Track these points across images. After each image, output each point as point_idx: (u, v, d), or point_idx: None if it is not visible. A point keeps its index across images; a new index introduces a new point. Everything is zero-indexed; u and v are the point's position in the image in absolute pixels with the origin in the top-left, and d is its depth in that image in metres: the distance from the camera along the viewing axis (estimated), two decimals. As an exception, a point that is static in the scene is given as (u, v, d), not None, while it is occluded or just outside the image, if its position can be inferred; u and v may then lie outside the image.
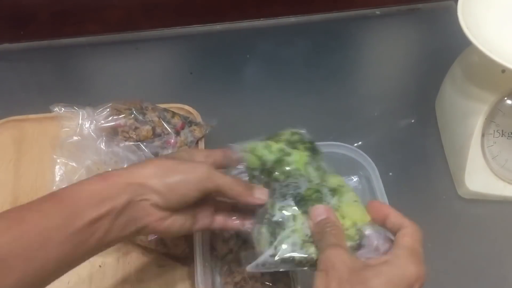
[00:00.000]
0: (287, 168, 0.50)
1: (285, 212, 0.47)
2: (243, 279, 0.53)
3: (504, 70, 0.55)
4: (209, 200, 0.50)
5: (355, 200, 0.49)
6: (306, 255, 0.44)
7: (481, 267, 0.60)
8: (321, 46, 0.85)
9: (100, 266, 0.58)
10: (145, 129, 0.62)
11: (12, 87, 0.81)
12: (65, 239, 0.40)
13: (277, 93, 0.78)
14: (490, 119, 0.60)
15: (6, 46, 0.86)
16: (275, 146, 0.52)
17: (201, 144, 0.67)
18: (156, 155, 0.61)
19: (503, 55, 0.52)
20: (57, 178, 0.59)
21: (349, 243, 0.45)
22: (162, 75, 0.83)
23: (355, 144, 0.64)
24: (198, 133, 0.66)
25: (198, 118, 0.70)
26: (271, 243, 0.45)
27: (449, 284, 0.59)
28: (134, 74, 0.82)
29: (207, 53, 0.86)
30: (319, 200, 0.47)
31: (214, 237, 0.57)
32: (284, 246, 0.45)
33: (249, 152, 0.52)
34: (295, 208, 0.47)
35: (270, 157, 0.51)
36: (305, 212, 0.47)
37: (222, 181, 0.47)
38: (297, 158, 0.51)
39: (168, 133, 0.64)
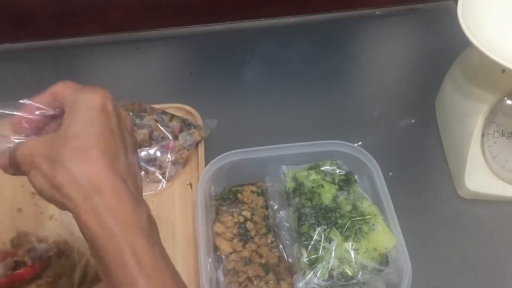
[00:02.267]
0: (320, 198, 0.58)
1: (322, 236, 0.54)
2: (247, 278, 0.53)
3: (504, 70, 0.55)
4: None
5: (381, 225, 0.55)
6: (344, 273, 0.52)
7: (481, 267, 0.60)
8: (321, 46, 0.85)
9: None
10: (142, 133, 0.62)
11: (12, 87, 0.80)
12: None
13: (277, 93, 0.78)
14: (490, 119, 0.60)
15: (6, 46, 0.86)
16: (314, 176, 0.60)
17: (201, 146, 0.68)
18: (149, 161, 0.61)
19: (503, 55, 0.52)
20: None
21: (373, 265, 0.53)
22: (162, 75, 0.83)
23: (355, 144, 0.64)
24: (197, 136, 0.66)
25: (198, 119, 0.71)
26: (310, 265, 0.52)
27: (449, 284, 0.59)
28: (134, 74, 0.82)
29: (207, 53, 0.86)
30: (353, 226, 0.55)
31: (217, 237, 0.57)
32: (323, 268, 0.52)
33: (290, 175, 0.61)
34: (331, 232, 0.54)
35: (307, 183, 0.59)
36: (342, 236, 0.54)
37: None
38: (327, 190, 0.59)
39: (165, 137, 0.64)
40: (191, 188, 0.65)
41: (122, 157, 0.38)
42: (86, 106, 0.38)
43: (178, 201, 0.64)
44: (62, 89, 0.41)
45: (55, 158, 0.36)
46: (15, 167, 0.39)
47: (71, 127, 0.37)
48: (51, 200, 0.37)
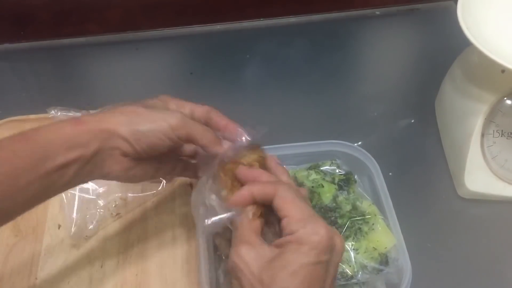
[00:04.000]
0: (320, 197, 0.58)
1: None
2: None
3: (504, 70, 0.55)
4: (172, 155, 0.51)
5: (381, 225, 0.55)
6: (344, 273, 0.52)
7: (481, 267, 0.60)
8: (321, 46, 0.85)
9: (100, 266, 0.58)
10: None
11: (12, 87, 0.81)
12: (34, 180, 0.41)
13: (277, 93, 0.78)
14: (489, 119, 0.60)
15: (6, 46, 0.86)
16: (313, 176, 0.60)
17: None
18: None
19: (503, 55, 0.52)
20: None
21: (373, 265, 0.52)
22: (162, 75, 0.83)
23: (355, 144, 0.64)
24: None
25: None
26: None
27: (449, 284, 0.59)
28: (134, 74, 0.82)
29: (207, 53, 0.86)
30: (353, 226, 0.55)
31: (217, 237, 0.57)
32: None
33: (290, 175, 0.59)
34: None
35: (307, 183, 0.59)
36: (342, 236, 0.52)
37: (195, 128, 0.47)
38: (327, 190, 0.59)
39: None
40: (191, 188, 0.65)
41: None
42: (305, 252, 0.39)
43: (178, 201, 0.64)
44: (286, 203, 0.42)
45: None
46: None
47: (283, 271, 0.39)
48: None
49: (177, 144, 0.48)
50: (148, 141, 0.45)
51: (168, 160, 0.52)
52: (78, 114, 0.60)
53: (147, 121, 0.46)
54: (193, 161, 0.55)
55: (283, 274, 0.38)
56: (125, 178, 0.48)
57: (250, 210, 0.43)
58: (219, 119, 0.52)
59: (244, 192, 0.44)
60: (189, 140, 0.48)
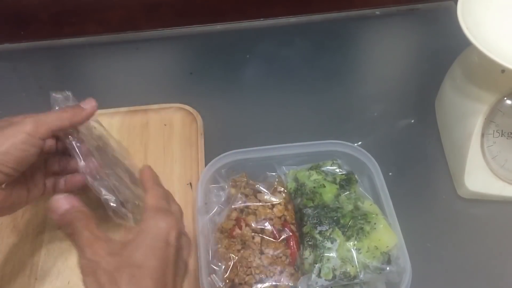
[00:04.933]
0: (322, 197, 0.58)
1: (325, 236, 0.54)
2: (248, 278, 0.53)
3: (503, 70, 0.55)
4: (38, 169, 0.52)
5: (383, 224, 0.55)
6: (346, 273, 0.52)
7: (480, 267, 0.60)
8: (321, 46, 0.85)
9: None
10: None
11: (12, 87, 0.81)
12: None
13: (277, 93, 0.78)
14: (489, 119, 0.60)
15: (6, 46, 0.86)
16: (315, 176, 0.60)
17: (201, 146, 0.67)
18: None
19: (502, 55, 0.52)
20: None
21: (375, 264, 0.52)
22: (162, 75, 0.83)
23: (355, 144, 0.64)
24: None
25: (198, 119, 0.71)
26: (314, 265, 0.52)
27: (448, 284, 0.59)
28: (134, 74, 0.82)
29: (207, 53, 0.86)
30: (355, 225, 0.55)
31: (218, 236, 0.57)
32: (326, 268, 0.52)
33: (291, 176, 0.61)
34: (333, 232, 0.54)
35: (308, 183, 0.60)
36: (344, 236, 0.54)
37: (51, 118, 0.48)
38: (329, 190, 0.59)
39: None
40: (191, 188, 0.65)
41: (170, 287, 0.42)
42: (153, 235, 0.42)
43: (178, 201, 0.64)
44: (150, 194, 0.47)
45: (115, 278, 0.39)
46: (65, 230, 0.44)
47: (135, 253, 0.41)
48: None
49: (43, 149, 0.48)
50: (13, 159, 0.45)
51: (36, 179, 0.52)
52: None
53: (3, 139, 0.45)
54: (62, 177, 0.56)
55: (136, 256, 0.40)
56: (3, 210, 0.47)
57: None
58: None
59: None
60: (54, 131, 0.48)
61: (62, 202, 0.44)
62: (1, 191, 0.46)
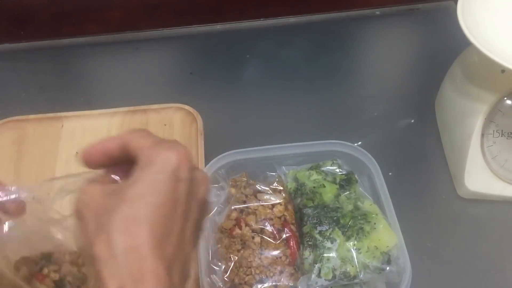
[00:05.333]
0: (321, 197, 0.58)
1: (324, 236, 0.54)
2: (248, 278, 0.53)
3: (503, 70, 0.55)
4: None
5: (383, 224, 0.55)
6: (346, 273, 0.52)
7: (480, 267, 0.60)
8: (321, 46, 0.85)
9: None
10: None
11: (12, 87, 0.81)
12: None
13: (277, 93, 0.78)
14: (489, 119, 0.60)
15: (6, 46, 0.86)
16: (314, 176, 0.60)
17: (201, 146, 0.67)
18: None
19: (502, 55, 0.52)
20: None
21: (375, 264, 0.52)
22: (162, 75, 0.83)
23: (355, 144, 0.64)
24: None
25: (198, 119, 0.71)
26: (314, 265, 0.52)
27: (448, 284, 0.59)
28: (134, 74, 0.82)
29: (207, 53, 0.86)
30: (355, 225, 0.55)
31: (218, 236, 0.57)
32: (326, 268, 0.52)
33: (291, 176, 0.61)
34: (333, 232, 0.54)
35: (308, 183, 0.60)
36: (343, 236, 0.54)
37: None
38: (329, 190, 0.59)
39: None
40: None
41: (175, 236, 0.33)
42: (157, 166, 0.33)
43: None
44: (139, 138, 0.35)
45: (103, 222, 0.31)
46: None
47: (132, 187, 0.32)
48: (85, 259, 0.34)
49: None
50: None
51: None
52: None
53: None
54: None
55: (133, 193, 0.32)
56: None
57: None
58: None
59: (99, 145, 0.36)
60: None
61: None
62: None
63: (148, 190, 0.32)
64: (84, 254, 0.34)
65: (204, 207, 0.36)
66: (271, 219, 0.57)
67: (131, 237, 0.30)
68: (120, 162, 0.36)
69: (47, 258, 0.51)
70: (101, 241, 0.31)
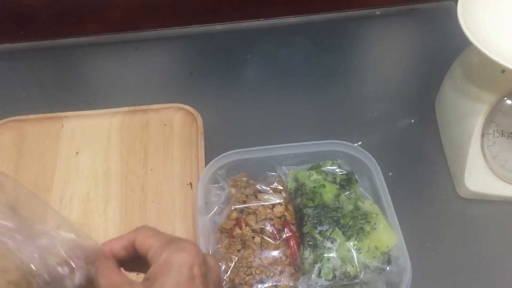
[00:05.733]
0: (322, 197, 0.58)
1: (325, 236, 0.54)
2: (248, 277, 0.54)
3: (504, 70, 0.55)
4: None
5: (383, 224, 0.55)
6: (346, 273, 0.52)
7: (481, 267, 0.60)
8: (321, 46, 0.85)
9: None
10: None
11: (12, 87, 0.81)
12: None
13: (277, 93, 0.78)
14: (490, 119, 0.60)
15: (6, 46, 0.86)
16: (315, 176, 0.60)
17: (201, 146, 0.67)
18: None
19: (503, 55, 0.52)
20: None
21: (375, 264, 0.52)
22: (162, 75, 0.83)
23: (355, 144, 0.64)
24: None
25: (198, 119, 0.71)
26: (314, 265, 0.52)
27: (448, 284, 0.59)
28: (134, 74, 0.82)
29: (207, 53, 0.86)
30: (355, 225, 0.55)
31: (218, 235, 0.57)
32: (326, 268, 0.52)
33: (291, 176, 0.61)
34: (333, 232, 0.54)
35: (308, 183, 0.59)
36: (344, 236, 0.54)
37: None
38: (329, 190, 0.59)
39: None
40: (191, 188, 0.65)
41: None
42: (175, 270, 0.37)
43: (178, 201, 0.64)
44: (146, 238, 0.41)
45: None
46: None
47: None
48: None
49: None
50: None
51: None
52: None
53: None
54: None
55: None
56: None
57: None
58: None
59: (105, 247, 0.41)
60: None
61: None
62: None
63: None
64: None
65: (219, 285, 0.41)
66: (271, 219, 0.57)
67: None
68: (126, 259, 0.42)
69: None
70: None
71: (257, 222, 0.57)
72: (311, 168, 0.62)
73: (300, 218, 0.57)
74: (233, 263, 0.54)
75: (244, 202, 0.59)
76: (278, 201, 0.59)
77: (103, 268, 0.40)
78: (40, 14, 0.83)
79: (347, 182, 0.60)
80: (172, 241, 0.40)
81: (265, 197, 0.59)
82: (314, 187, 0.59)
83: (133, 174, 0.67)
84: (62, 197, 0.65)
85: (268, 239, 0.56)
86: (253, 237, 0.56)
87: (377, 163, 0.61)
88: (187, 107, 0.72)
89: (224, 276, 0.54)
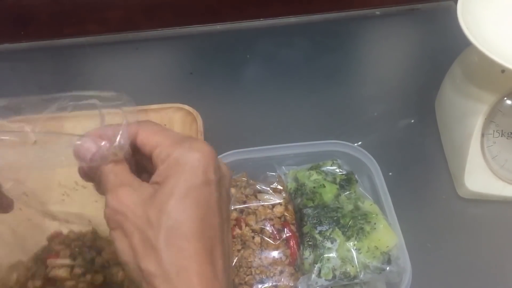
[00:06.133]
0: (322, 197, 0.58)
1: (325, 236, 0.54)
2: (248, 277, 0.54)
3: (503, 70, 0.55)
4: None
5: (383, 224, 0.55)
6: (346, 273, 0.52)
7: (481, 267, 0.60)
8: (321, 46, 0.85)
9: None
10: None
11: (12, 87, 0.81)
12: None
13: (277, 93, 0.78)
14: (489, 119, 0.60)
15: (6, 46, 0.86)
16: (315, 176, 0.60)
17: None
18: None
19: (502, 55, 0.52)
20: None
21: (375, 264, 0.52)
22: (162, 75, 0.83)
23: (355, 144, 0.64)
24: None
25: (198, 119, 0.71)
26: (314, 265, 0.52)
27: (448, 284, 0.59)
28: (134, 74, 0.82)
29: (207, 53, 0.86)
30: (355, 225, 0.55)
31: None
32: (326, 268, 0.52)
33: (291, 176, 0.61)
34: (333, 232, 0.54)
35: (308, 183, 0.60)
36: (344, 236, 0.54)
37: None
38: (329, 190, 0.59)
39: None
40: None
41: (220, 244, 0.34)
42: (188, 172, 0.33)
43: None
44: (152, 134, 0.35)
45: (149, 237, 0.32)
46: (94, 182, 0.36)
47: (170, 198, 0.32)
48: (129, 272, 0.33)
49: None
50: None
51: None
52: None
53: None
54: None
55: (171, 203, 0.32)
56: None
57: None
58: None
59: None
60: None
61: (90, 145, 0.35)
62: None
63: (187, 202, 0.32)
64: (129, 267, 0.33)
65: (229, 196, 0.37)
66: (271, 219, 0.57)
67: (181, 255, 0.31)
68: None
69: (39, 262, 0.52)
70: (150, 258, 0.31)
71: (257, 222, 0.57)
72: (311, 168, 0.62)
73: (300, 218, 0.57)
74: (233, 263, 0.54)
75: (244, 202, 0.59)
76: (278, 201, 0.59)
77: (114, 164, 0.35)
78: (40, 14, 0.83)
79: (347, 182, 0.60)
80: (183, 139, 0.34)
81: (265, 197, 0.59)
82: (314, 187, 0.59)
83: (133, 174, 0.67)
84: (62, 198, 0.65)
85: (268, 239, 0.56)
86: (253, 237, 0.56)
87: (377, 163, 0.61)
88: (187, 107, 0.72)
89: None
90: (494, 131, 0.60)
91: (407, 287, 0.52)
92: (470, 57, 0.64)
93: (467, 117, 0.62)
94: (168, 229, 0.31)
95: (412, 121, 0.74)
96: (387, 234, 0.54)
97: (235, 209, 0.58)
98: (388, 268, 0.53)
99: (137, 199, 0.33)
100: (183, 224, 0.32)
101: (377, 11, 0.90)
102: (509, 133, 0.60)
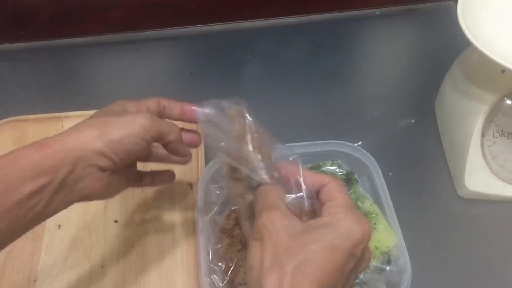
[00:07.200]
0: None
1: None
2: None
3: (503, 70, 0.55)
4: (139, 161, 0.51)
5: (383, 224, 0.55)
6: None
7: (481, 267, 0.60)
8: (321, 46, 0.85)
9: (100, 266, 0.58)
10: None
11: (12, 87, 0.81)
12: (0, 216, 0.38)
13: (277, 93, 0.78)
14: (489, 119, 0.60)
15: (6, 46, 0.86)
16: None
17: (201, 147, 0.67)
18: None
19: (502, 55, 0.52)
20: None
21: (375, 264, 0.52)
22: (162, 75, 0.83)
23: (355, 144, 0.64)
24: None
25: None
26: None
27: (448, 284, 0.59)
28: (134, 74, 0.82)
29: (207, 53, 0.86)
30: None
31: (218, 235, 0.57)
32: None
33: None
34: None
35: None
36: None
37: (163, 124, 0.46)
38: None
39: None
40: (191, 188, 0.65)
41: None
42: (341, 234, 0.37)
43: (178, 201, 0.64)
44: (335, 191, 0.41)
45: (280, 260, 0.36)
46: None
47: (315, 242, 0.36)
48: (249, 277, 0.38)
49: (149, 146, 0.45)
50: (124, 149, 0.43)
51: (134, 168, 0.50)
52: None
53: (119, 128, 0.43)
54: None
55: (315, 246, 0.36)
56: (104, 194, 0.46)
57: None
58: (173, 105, 0.50)
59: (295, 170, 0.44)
60: (159, 138, 0.46)
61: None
62: (106, 177, 0.43)
63: (328, 254, 0.36)
64: (253, 273, 0.37)
65: (355, 278, 0.40)
66: None
67: (297, 285, 0.34)
68: None
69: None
70: (272, 276, 0.35)
71: None
72: (311, 168, 0.62)
73: None
74: (233, 263, 0.54)
75: None
76: None
77: (270, 191, 0.42)
78: (40, 14, 0.83)
79: (347, 182, 0.60)
80: (353, 208, 0.39)
81: None
82: None
83: (133, 174, 0.67)
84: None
85: None
86: None
87: (377, 163, 0.61)
88: (187, 107, 0.72)
89: (224, 276, 0.54)
90: (494, 131, 0.60)
91: (407, 287, 0.52)
92: (470, 57, 0.64)
93: (467, 117, 0.62)
94: (300, 262, 0.35)
95: (412, 121, 0.74)
96: (387, 234, 0.54)
97: (235, 209, 0.58)
98: (388, 268, 0.53)
99: (287, 227, 0.37)
100: (314, 267, 0.35)
101: (377, 11, 0.90)
102: (509, 133, 0.60)
